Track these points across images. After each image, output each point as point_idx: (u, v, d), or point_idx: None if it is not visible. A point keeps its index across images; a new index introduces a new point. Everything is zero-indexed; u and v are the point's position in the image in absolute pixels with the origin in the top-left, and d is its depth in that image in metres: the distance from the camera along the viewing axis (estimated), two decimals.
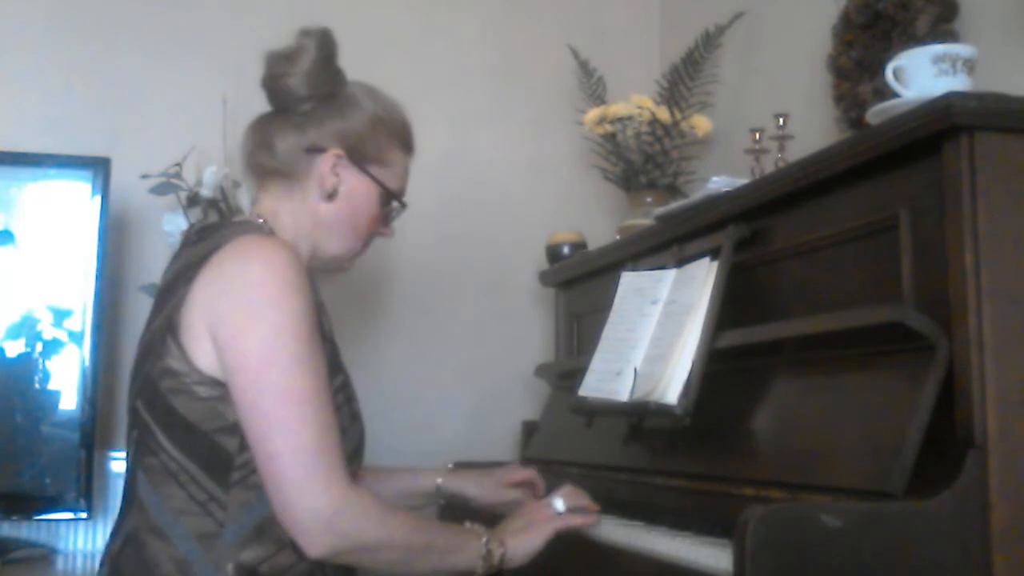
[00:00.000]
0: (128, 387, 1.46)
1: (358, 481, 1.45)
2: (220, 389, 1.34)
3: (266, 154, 1.51)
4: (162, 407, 1.36)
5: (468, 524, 1.48)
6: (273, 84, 1.53)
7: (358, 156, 1.51)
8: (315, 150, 1.49)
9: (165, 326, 1.37)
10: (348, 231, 1.52)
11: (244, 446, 1.34)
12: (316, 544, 1.30)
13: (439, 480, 1.73)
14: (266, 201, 1.52)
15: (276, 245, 1.39)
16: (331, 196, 1.50)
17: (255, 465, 1.33)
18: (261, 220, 1.48)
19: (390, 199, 1.55)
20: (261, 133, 1.53)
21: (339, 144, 1.50)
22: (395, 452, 1.98)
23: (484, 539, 1.42)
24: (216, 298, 1.34)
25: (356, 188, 1.51)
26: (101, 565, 1.43)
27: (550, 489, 1.63)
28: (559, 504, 1.55)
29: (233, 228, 1.44)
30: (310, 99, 1.50)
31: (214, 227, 1.47)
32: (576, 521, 1.54)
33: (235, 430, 1.34)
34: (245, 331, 1.32)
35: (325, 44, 1.53)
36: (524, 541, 1.46)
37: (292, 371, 1.31)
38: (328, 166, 1.49)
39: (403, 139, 1.57)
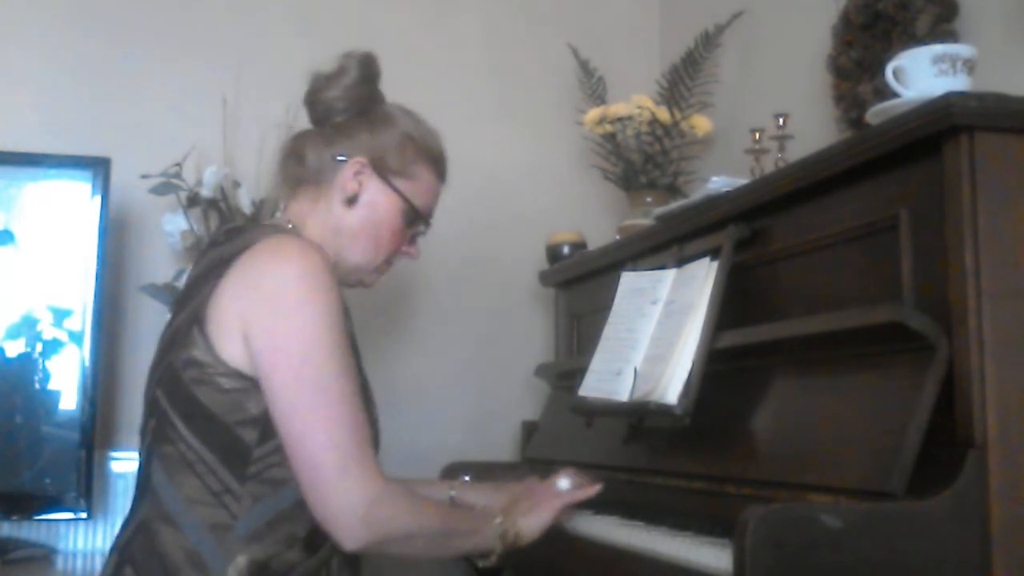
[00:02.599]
0: (147, 378, 1.47)
1: None
2: (244, 382, 1.35)
3: (297, 163, 1.56)
4: (184, 397, 1.37)
5: (480, 506, 1.58)
6: (313, 99, 1.58)
7: (382, 167, 1.54)
8: (340, 158, 1.53)
9: (192, 318, 1.39)
10: (368, 241, 1.55)
11: (263, 439, 1.36)
12: (352, 537, 1.32)
13: (452, 492, 1.75)
14: (294, 208, 1.56)
15: (308, 245, 1.42)
16: (352, 202, 1.53)
17: (273, 459, 1.35)
18: (290, 225, 1.52)
19: (414, 215, 1.58)
20: (294, 144, 1.58)
21: (365, 154, 1.53)
22: (395, 452, 1.97)
23: (499, 520, 1.48)
24: (248, 294, 1.37)
25: (378, 198, 1.54)
26: (109, 554, 1.44)
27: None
28: (563, 483, 1.62)
29: (263, 229, 1.48)
30: (345, 112, 1.55)
31: (242, 228, 1.51)
32: (579, 496, 1.60)
33: (256, 423, 1.36)
34: (281, 329, 1.34)
35: (366, 65, 1.58)
36: (534, 520, 1.52)
37: (328, 368, 1.34)
38: (351, 173, 1.52)
39: (434, 162, 1.60)
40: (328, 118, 1.56)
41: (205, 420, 1.36)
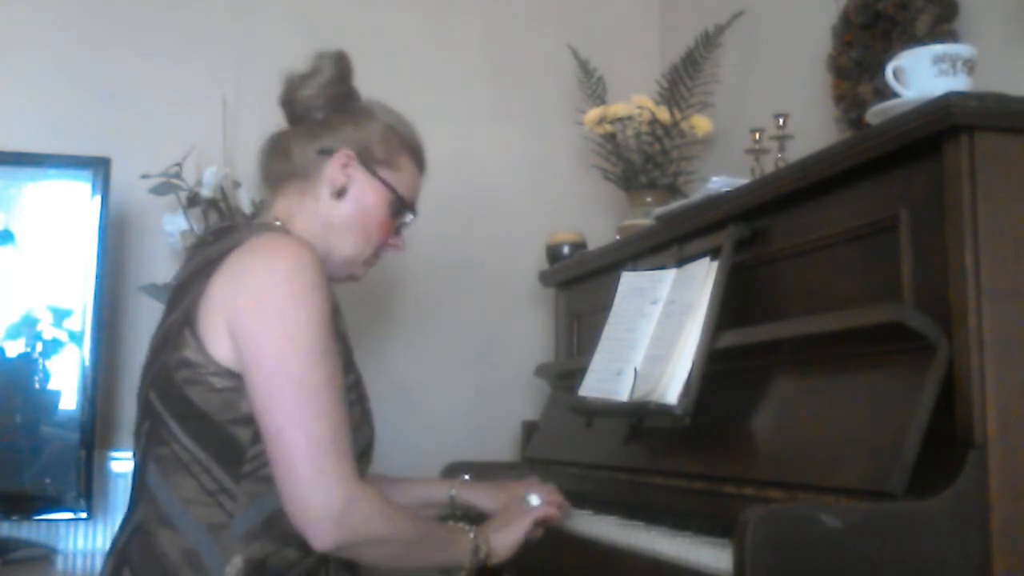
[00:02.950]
0: (140, 380, 1.47)
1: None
2: (235, 381, 1.35)
3: (281, 160, 1.56)
4: (176, 397, 1.37)
5: (451, 523, 1.57)
6: (290, 98, 1.58)
7: (368, 158, 1.55)
8: (326, 151, 1.53)
9: (183, 318, 1.39)
10: (358, 233, 1.55)
11: (256, 438, 1.35)
12: (325, 537, 1.31)
13: (452, 491, 1.74)
14: (281, 205, 1.56)
15: (299, 243, 1.42)
16: (340, 195, 1.53)
17: (266, 458, 1.35)
18: (278, 223, 1.52)
19: (400, 206, 1.58)
20: (276, 143, 1.59)
21: (350, 146, 1.54)
22: (395, 452, 1.98)
23: (471, 535, 1.47)
24: (237, 291, 1.37)
25: (366, 189, 1.55)
26: (107, 557, 1.44)
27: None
28: (534, 499, 1.62)
29: (251, 228, 1.48)
30: (323, 109, 1.56)
31: (231, 228, 1.51)
32: (551, 511, 1.60)
33: (249, 422, 1.35)
34: (266, 325, 1.34)
35: (340, 63, 1.59)
36: (506, 536, 1.51)
37: (310, 365, 1.33)
38: (338, 165, 1.53)
39: (415, 152, 1.62)
40: (308, 116, 1.57)
41: (198, 420, 1.36)
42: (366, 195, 1.55)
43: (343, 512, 1.30)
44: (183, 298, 1.42)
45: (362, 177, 1.54)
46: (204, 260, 1.43)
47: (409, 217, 1.62)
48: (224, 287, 1.37)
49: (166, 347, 1.40)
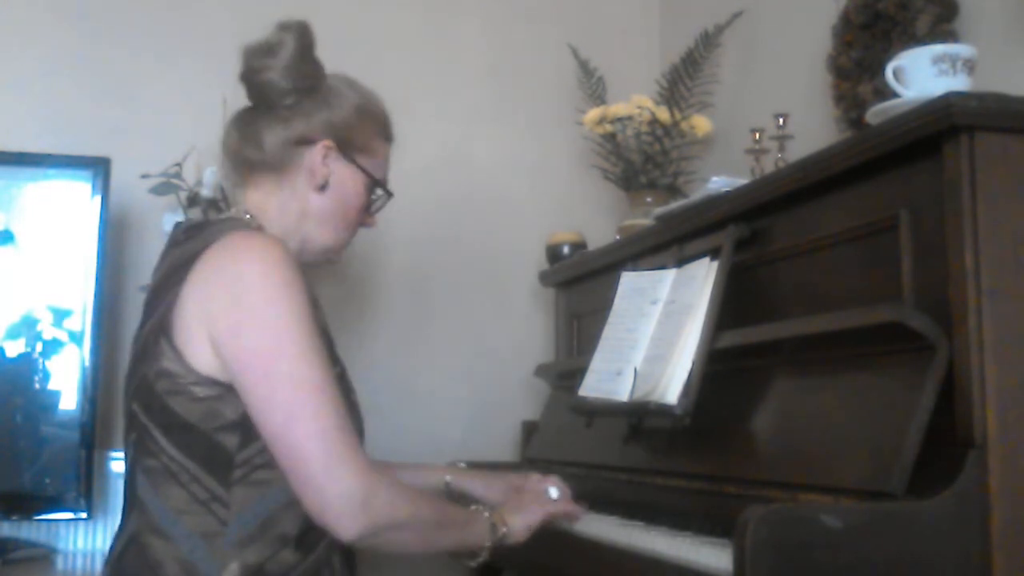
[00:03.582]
0: (123, 390, 1.45)
1: None
2: (217, 388, 1.33)
3: (253, 148, 1.51)
4: (159, 409, 1.35)
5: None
6: (253, 78, 1.52)
7: (347, 146, 1.52)
8: (305, 142, 1.50)
9: (158, 328, 1.37)
10: (339, 222, 1.53)
11: (244, 443, 1.34)
12: (351, 527, 1.28)
13: (448, 477, 1.73)
14: (253, 196, 1.52)
15: (268, 240, 1.39)
16: (322, 188, 1.50)
17: (258, 462, 1.34)
18: (248, 216, 1.48)
19: (374, 187, 1.56)
20: (246, 128, 1.53)
21: (328, 135, 1.50)
22: (395, 452, 1.98)
23: (486, 515, 1.47)
24: (211, 297, 1.34)
25: (345, 179, 1.52)
26: (103, 569, 1.43)
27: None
28: (553, 491, 1.62)
29: (221, 225, 1.44)
30: (293, 92, 1.50)
31: (201, 225, 1.47)
32: (570, 510, 1.59)
33: (235, 428, 1.34)
34: (247, 328, 1.32)
35: (303, 36, 1.52)
36: (523, 519, 1.50)
37: (300, 360, 1.31)
38: (319, 157, 1.49)
39: (385, 128, 1.59)
40: (277, 100, 1.50)
41: (183, 430, 1.34)
42: (345, 184, 1.52)
43: (366, 499, 1.28)
44: (157, 305, 1.39)
45: (341, 167, 1.51)
46: (176, 263, 1.40)
47: (385, 196, 1.59)
48: (197, 293, 1.34)
49: (144, 358, 1.38)
